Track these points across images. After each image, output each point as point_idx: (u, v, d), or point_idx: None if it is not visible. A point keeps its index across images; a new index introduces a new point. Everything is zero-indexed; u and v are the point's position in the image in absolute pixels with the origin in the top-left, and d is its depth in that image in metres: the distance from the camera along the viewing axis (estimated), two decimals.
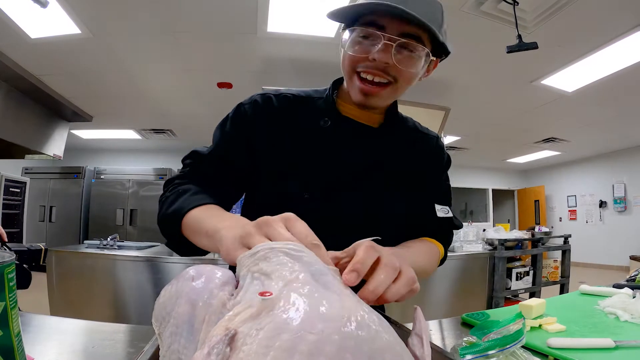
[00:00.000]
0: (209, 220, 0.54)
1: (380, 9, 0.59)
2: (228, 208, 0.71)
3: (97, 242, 3.06)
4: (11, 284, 0.36)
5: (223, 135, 0.74)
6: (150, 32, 2.92)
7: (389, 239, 0.64)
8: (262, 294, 0.27)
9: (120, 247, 3.00)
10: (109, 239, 3.02)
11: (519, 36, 2.33)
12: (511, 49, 2.33)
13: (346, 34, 0.67)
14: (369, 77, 0.66)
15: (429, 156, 0.81)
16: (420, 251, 0.73)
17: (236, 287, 0.33)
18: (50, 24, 2.72)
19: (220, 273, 0.33)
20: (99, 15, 2.66)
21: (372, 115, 0.75)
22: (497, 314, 0.66)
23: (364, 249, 0.39)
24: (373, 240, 0.43)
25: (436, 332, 0.64)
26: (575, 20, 2.65)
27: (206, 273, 0.33)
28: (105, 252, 2.79)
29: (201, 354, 0.24)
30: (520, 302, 0.64)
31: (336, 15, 0.65)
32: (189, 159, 0.74)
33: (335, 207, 0.71)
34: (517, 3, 2.26)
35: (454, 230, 0.85)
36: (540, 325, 0.58)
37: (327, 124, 0.73)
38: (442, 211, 0.79)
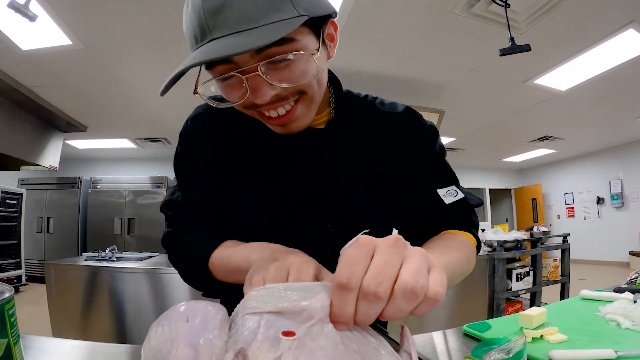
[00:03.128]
0: (237, 255, 0.53)
1: (207, 58, 0.42)
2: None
3: (96, 254, 3.04)
4: (12, 319, 0.36)
5: (179, 174, 0.68)
6: (140, 42, 2.93)
7: None
8: (285, 333, 0.27)
9: (118, 259, 2.98)
10: (107, 250, 3.00)
11: (512, 39, 2.35)
12: (504, 52, 2.35)
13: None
14: (272, 114, 0.52)
15: (399, 138, 0.64)
16: (448, 247, 0.58)
17: (230, 324, 0.32)
18: (41, 35, 2.72)
19: (214, 310, 0.31)
20: (89, 26, 2.66)
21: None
22: (498, 324, 0.66)
23: (332, 282, 0.31)
24: (364, 233, 0.34)
25: (440, 344, 0.64)
26: (566, 20, 2.68)
27: (201, 311, 0.31)
28: (104, 264, 2.77)
29: None
30: (520, 312, 0.64)
31: (169, 86, 0.46)
32: (168, 210, 0.68)
33: (294, 236, 0.57)
34: (509, 5, 2.28)
35: (475, 209, 0.68)
36: (541, 336, 0.58)
37: (257, 136, 0.61)
38: (449, 195, 0.63)
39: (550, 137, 6.23)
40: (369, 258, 0.31)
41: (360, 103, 0.67)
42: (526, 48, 2.30)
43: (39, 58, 3.04)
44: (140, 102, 4.26)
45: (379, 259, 0.31)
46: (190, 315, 0.30)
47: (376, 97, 0.69)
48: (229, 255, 0.55)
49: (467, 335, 0.64)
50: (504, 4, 2.27)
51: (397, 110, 0.66)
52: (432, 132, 0.68)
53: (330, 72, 0.63)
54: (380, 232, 0.71)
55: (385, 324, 0.74)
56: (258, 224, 0.64)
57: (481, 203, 0.68)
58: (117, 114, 4.66)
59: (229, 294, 0.56)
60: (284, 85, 0.48)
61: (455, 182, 0.67)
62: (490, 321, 0.68)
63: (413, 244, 0.67)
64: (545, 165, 8.83)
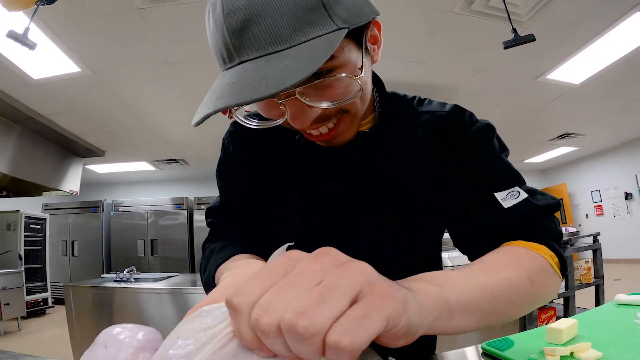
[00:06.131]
0: (228, 274, 0.49)
1: (243, 100, 0.36)
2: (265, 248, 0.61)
3: (114, 275, 3.06)
4: None
5: (220, 182, 0.68)
6: (145, 65, 2.99)
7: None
8: None
9: (137, 280, 2.99)
10: (125, 272, 3.02)
11: (514, 30, 2.27)
12: (508, 44, 2.27)
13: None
14: (313, 132, 0.49)
15: (448, 138, 0.58)
16: (495, 265, 0.44)
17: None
18: (50, 64, 2.81)
19: (131, 337, 0.32)
20: (94, 52, 2.73)
21: None
22: (521, 340, 0.59)
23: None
24: (289, 247, 0.30)
25: None
26: (568, 9, 2.58)
27: (116, 336, 0.32)
28: (123, 285, 2.79)
29: None
30: (547, 326, 0.57)
31: (203, 120, 0.42)
32: (208, 218, 0.69)
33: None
34: None
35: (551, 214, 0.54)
36: (571, 354, 0.51)
37: (301, 141, 0.58)
38: (510, 198, 0.52)
39: (571, 134, 6.01)
40: (283, 276, 0.25)
41: (406, 105, 0.62)
42: (530, 38, 2.21)
43: (51, 86, 3.14)
44: (154, 124, 4.34)
45: (285, 280, 0.24)
46: (108, 341, 0.31)
47: (425, 98, 0.64)
48: (225, 271, 0.52)
49: (486, 354, 0.57)
50: None
51: (444, 110, 0.60)
52: (487, 130, 0.59)
53: (373, 74, 0.57)
54: (428, 249, 0.65)
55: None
56: (297, 233, 0.61)
57: (557, 204, 0.54)
58: (133, 137, 4.78)
59: None
60: (324, 105, 0.43)
61: (519, 183, 0.55)
62: (513, 336, 0.61)
63: (471, 260, 0.53)
64: (568, 164, 8.52)
